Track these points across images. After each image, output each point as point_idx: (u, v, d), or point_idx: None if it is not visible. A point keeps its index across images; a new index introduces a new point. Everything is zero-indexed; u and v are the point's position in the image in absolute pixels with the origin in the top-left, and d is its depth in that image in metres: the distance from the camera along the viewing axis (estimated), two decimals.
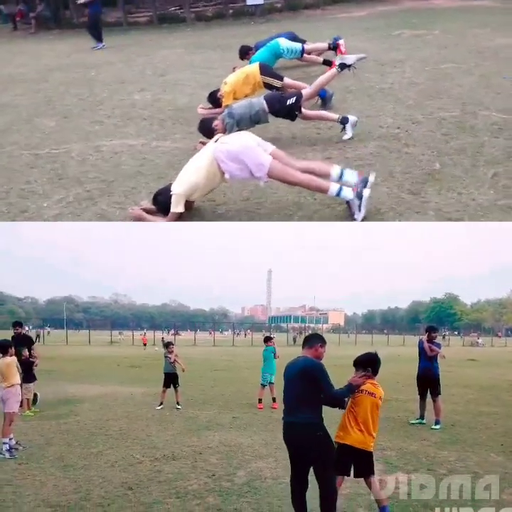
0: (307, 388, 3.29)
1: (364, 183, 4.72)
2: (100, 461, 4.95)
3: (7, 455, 5.11)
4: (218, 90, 7.37)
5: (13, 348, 5.55)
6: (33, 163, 6.66)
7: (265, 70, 7.47)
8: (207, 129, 6.31)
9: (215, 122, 7.13)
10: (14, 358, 5.53)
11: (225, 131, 6.22)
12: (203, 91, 8.19)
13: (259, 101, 6.29)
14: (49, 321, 53.98)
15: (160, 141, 7.11)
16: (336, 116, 6.46)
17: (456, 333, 55.80)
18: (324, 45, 9.20)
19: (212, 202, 5.43)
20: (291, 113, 6.23)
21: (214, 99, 7.36)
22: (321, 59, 9.12)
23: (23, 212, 5.46)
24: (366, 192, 4.68)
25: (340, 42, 9.22)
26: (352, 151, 6.11)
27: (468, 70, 8.63)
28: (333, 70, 6.32)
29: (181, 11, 21.65)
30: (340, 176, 4.83)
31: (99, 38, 14.57)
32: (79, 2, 14.79)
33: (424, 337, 6.86)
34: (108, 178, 6.07)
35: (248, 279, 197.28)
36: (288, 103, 6.16)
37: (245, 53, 9.18)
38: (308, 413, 3.26)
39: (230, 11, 20.56)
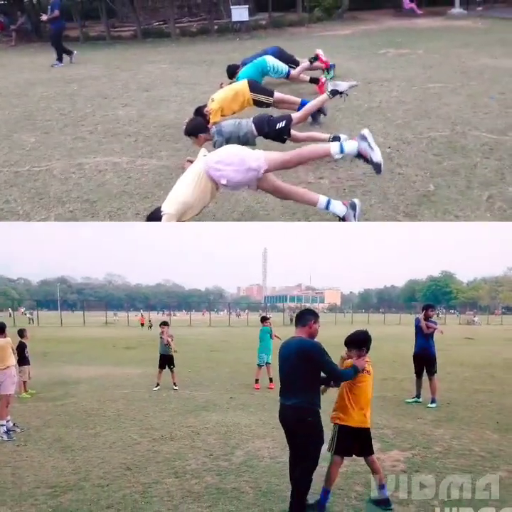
0: (303, 370, 3.27)
1: (352, 206, 4.69)
2: (98, 442, 4.97)
3: (5, 437, 5.13)
4: (205, 106, 7.15)
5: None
6: (13, 181, 6.40)
7: (255, 87, 7.26)
8: (193, 127, 6.18)
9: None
10: (9, 340, 5.52)
11: (203, 145, 6.11)
12: (190, 107, 8.00)
13: (247, 123, 6.16)
14: (43, 303, 54.04)
15: (145, 158, 6.90)
16: (326, 135, 6.27)
17: (452, 311, 56.25)
18: (307, 63, 9.10)
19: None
20: (280, 136, 6.07)
21: (200, 115, 7.09)
22: (307, 78, 9.05)
23: None
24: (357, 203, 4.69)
25: (319, 51, 9.22)
26: (344, 171, 5.99)
27: (455, 90, 8.63)
28: (324, 95, 6.18)
29: (166, 25, 21.32)
30: (327, 206, 4.76)
31: (59, 57, 14.08)
32: (42, 19, 14.29)
33: (421, 315, 6.88)
34: (91, 197, 5.84)
35: (244, 259, 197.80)
36: (277, 127, 5.98)
37: (233, 73, 8.95)
38: (301, 397, 3.26)
39: (215, 27, 20.38)
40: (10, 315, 32.23)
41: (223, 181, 4.70)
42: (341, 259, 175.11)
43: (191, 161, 6.22)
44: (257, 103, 7.21)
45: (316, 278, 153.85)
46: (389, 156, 6.11)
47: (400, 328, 24.48)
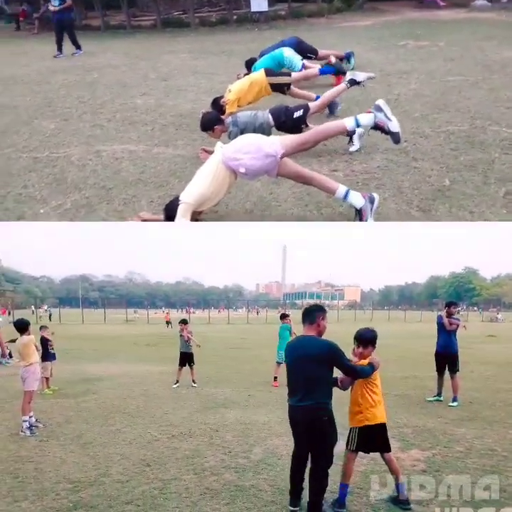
0: (322, 371, 3.26)
1: (371, 200, 4.62)
2: (118, 439, 5.03)
3: (28, 433, 5.21)
4: (222, 97, 7.16)
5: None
6: (32, 166, 6.49)
7: (271, 72, 7.27)
8: (208, 121, 6.21)
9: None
10: (32, 337, 5.61)
11: (220, 136, 6.12)
12: (207, 97, 7.99)
13: (264, 114, 6.13)
14: (65, 300, 54.95)
15: (161, 147, 6.92)
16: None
17: (474, 308, 55.20)
18: (316, 71, 8.26)
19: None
20: (297, 126, 6.00)
21: (217, 106, 7.13)
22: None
23: (19, 218, 5.33)
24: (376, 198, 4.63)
25: (332, 58, 8.42)
26: (358, 164, 5.89)
27: (476, 84, 8.40)
28: (342, 84, 6.12)
29: (185, 15, 21.27)
30: (345, 196, 4.67)
31: (59, 47, 13.91)
32: (51, 8, 14.17)
33: (444, 312, 6.76)
34: (107, 184, 5.89)
35: (263, 255, 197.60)
36: (295, 116, 5.97)
37: (251, 65, 8.85)
38: (318, 397, 3.24)
39: (234, 17, 20.21)
40: (33, 312, 32.89)
41: (242, 170, 4.66)
42: (361, 255, 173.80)
43: (206, 151, 6.21)
44: (276, 87, 7.12)
45: (336, 275, 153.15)
46: (405, 150, 6.01)
47: (421, 325, 24.17)
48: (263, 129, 6.03)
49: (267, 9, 18.94)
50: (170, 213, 4.78)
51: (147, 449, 4.69)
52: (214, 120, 6.26)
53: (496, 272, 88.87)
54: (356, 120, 4.70)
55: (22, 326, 5.60)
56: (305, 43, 9.34)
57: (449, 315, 6.65)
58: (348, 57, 9.40)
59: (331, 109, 7.22)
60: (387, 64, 10.16)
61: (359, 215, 4.65)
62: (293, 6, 20.83)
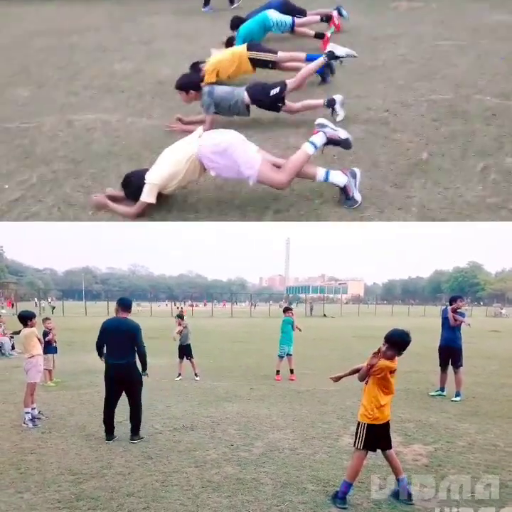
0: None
1: (353, 175, 4.56)
2: (120, 431, 5.02)
3: (30, 425, 5.23)
4: (202, 62, 6.84)
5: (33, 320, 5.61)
6: (2, 137, 6.22)
7: (253, 46, 6.87)
8: (186, 82, 6.04)
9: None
10: (33, 329, 5.59)
11: (191, 102, 5.98)
12: (188, 62, 7.55)
13: (239, 92, 5.91)
14: (68, 293, 55.04)
15: (136, 117, 6.69)
16: (320, 101, 6.00)
17: (477, 303, 55.06)
18: (316, 17, 8.67)
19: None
20: (274, 105, 5.87)
21: (196, 71, 6.78)
22: (312, 32, 8.48)
23: None
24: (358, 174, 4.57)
25: (334, 13, 8.79)
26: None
27: (464, 49, 8.12)
28: (321, 59, 5.99)
29: None
30: (326, 178, 4.62)
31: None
32: None
33: (450, 307, 6.72)
34: (77, 157, 5.69)
35: (266, 249, 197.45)
36: (271, 93, 5.77)
37: (237, 25, 8.46)
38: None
39: None
40: (36, 305, 32.97)
41: (213, 173, 4.64)
42: (365, 249, 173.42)
43: (180, 120, 6.10)
44: (258, 63, 6.78)
45: (339, 268, 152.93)
46: (386, 121, 5.85)
47: (425, 319, 24.13)
48: (238, 107, 5.89)
49: None
50: (129, 189, 4.73)
51: (149, 442, 4.71)
52: (192, 84, 6.06)
53: (501, 266, 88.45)
54: (313, 144, 4.63)
55: (23, 318, 5.60)
56: (291, 3, 8.88)
57: (455, 310, 6.62)
58: (339, 11, 9.05)
59: (323, 77, 7.02)
60: (376, 28, 9.72)
61: (344, 192, 4.54)
62: None
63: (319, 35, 8.27)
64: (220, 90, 5.97)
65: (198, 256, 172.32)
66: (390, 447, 3.50)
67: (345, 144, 4.74)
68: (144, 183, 4.61)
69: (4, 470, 4.01)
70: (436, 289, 77.88)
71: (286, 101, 5.89)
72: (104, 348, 5.01)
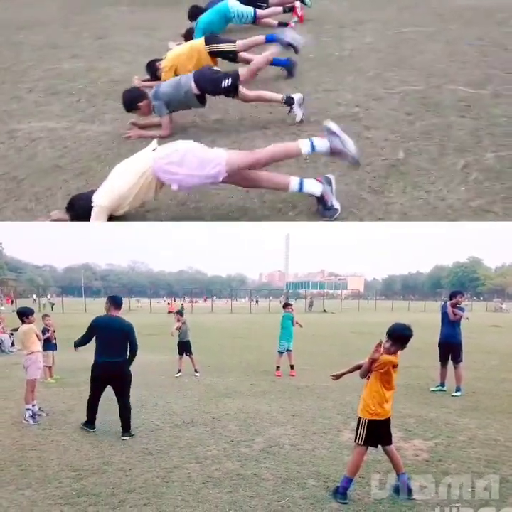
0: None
1: (328, 182, 4.25)
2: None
3: (31, 421, 5.23)
4: (158, 60, 6.50)
5: (31, 317, 5.60)
6: None
7: (211, 39, 6.45)
8: (129, 100, 5.65)
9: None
10: (32, 326, 5.58)
11: (151, 113, 5.58)
12: (145, 58, 7.12)
13: (187, 80, 5.47)
14: (68, 289, 55.02)
15: (86, 123, 6.18)
16: (279, 96, 5.66)
17: (477, 298, 55.13)
18: (279, 8, 8.49)
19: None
20: (226, 96, 5.54)
21: (153, 71, 6.46)
22: (275, 22, 8.37)
23: None
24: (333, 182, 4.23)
25: (297, 3, 8.64)
26: (307, 136, 5.09)
27: (431, 35, 7.81)
28: (273, 48, 5.65)
29: None
30: (301, 188, 4.25)
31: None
32: None
33: (449, 302, 6.72)
34: (19, 174, 5.21)
35: (266, 245, 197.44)
36: (223, 85, 5.38)
37: (195, 15, 8.20)
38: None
39: None
40: (34, 301, 32.95)
41: (174, 187, 4.23)
42: (365, 244, 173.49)
43: (135, 124, 5.76)
44: (218, 56, 6.41)
45: (339, 264, 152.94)
46: (357, 117, 5.54)
47: (425, 315, 24.16)
48: (188, 98, 5.51)
49: None
50: (75, 212, 4.32)
51: (150, 438, 4.70)
52: (136, 97, 5.68)
53: (501, 261, 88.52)
54: (312, 145, 4.25)
55: (21, 315, 5.59)
56: None
57: (455, 305, 6.62)
58: (302, 0, 8.81)
59: (289, 70, 6.77)
60: (341, 14, 9.45)
61: (322, 202, 4.23)
62: None
63: (282, 25, 8.00)
64: (165, 87, 5.59)
65: (198, 252, 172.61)
66: (390, 443, 3.50)
67: (353, 160, 4.32)
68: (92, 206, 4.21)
69: (5, 467, 4.01)
70: (436, 284, 77.97)
71: (241, 88, 5.52)
72: (88, 345, 5.12)
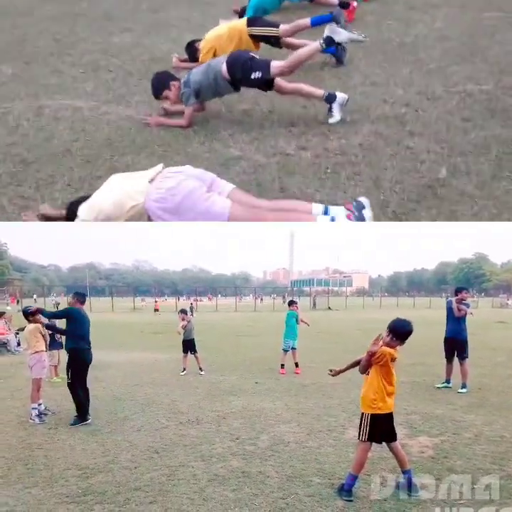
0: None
1: (359, 207, 3.70)
2: (126, 426, 5.05)
3: (37, 420, 5.25)
4: (199, 40, 6.18)
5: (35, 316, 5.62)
6: None
7: (253, 21, 6.06)
8: (156, 88, 5.40)
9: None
10: (37, 325, 5.60)
11: (180, 101, 5.26)
12: (192, 35, 6.75)
13: (216, 64, 5.06)
14: (72, 289, 55.17)
15: (112, 104, 5.93)
16: (320, 92, 5.13)
17: (482, 294, 54.92)
18: None
19: None
20: (260, 87, 5.10)
21: (191, 52, 6.18)
22: (336, 0, 7.29)
23: None
24: (367, 214, 3.62)
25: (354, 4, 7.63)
26: (336, 139, 4.69)
27: None
28: (316, 44, 5.11)
29: None
30: (325, 213, 3.79)
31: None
32: None
33: (454, 298, 6.69)
34: (29, 157, 5.07)
35: (270, 242, 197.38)
36: (252, 77, 4.96)
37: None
38: None
39: None
40: (35, 301, 33.15)
41: (166, 216, 3.91)
42: (370, 241, 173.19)
43: (166, 110, 5.43)
44: (261, 39, 6.01)
45: (344, 261, 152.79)
46: (402, 119, 4.79)
47: (430, 311, 24.08)
48: (218, 84, 5.08)
49: None
50: (71, 214, 4.18)
51: (155, 436, 4.71)
52: (163, 83, 5.36)
53: (506, 257, 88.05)
54: (326, 209, 3.78)
55: (25, 314, 5.61)
56: None
57: (460, 301, 6.59)
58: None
59: (338, 58, 6.20)
60: None
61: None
62: None
63: (343, 5, 7.03)
64: (196, 74, 5.23)
65: (202, 250, 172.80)
66: (395, 439, 3.49)
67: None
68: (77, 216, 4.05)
69: (12, 465, 4.03)
70: (442, 280, 77.69)
71: (277, 79, 5.08)
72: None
